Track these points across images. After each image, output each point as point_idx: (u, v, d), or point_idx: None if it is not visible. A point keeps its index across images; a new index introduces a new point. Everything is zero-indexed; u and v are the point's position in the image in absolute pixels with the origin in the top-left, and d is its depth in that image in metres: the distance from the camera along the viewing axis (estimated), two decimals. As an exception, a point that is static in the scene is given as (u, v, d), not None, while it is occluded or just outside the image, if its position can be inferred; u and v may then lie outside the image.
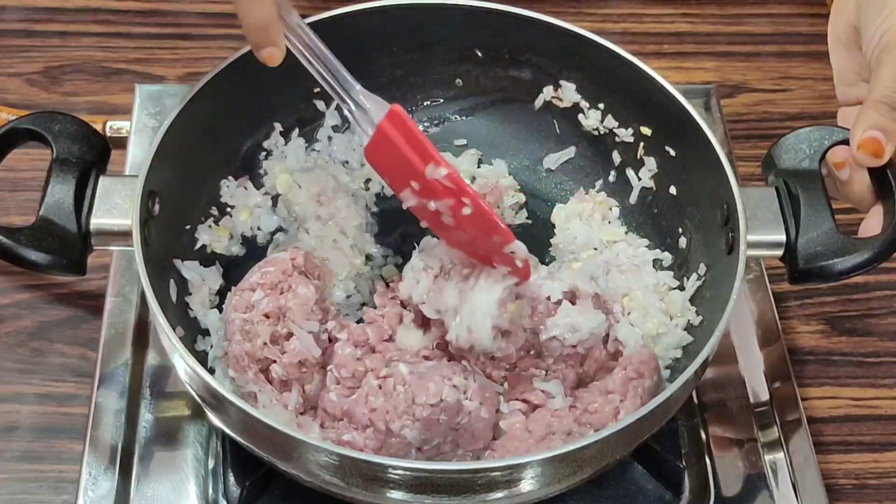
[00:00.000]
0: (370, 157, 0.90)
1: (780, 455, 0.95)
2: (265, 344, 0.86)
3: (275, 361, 0.86)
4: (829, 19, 0.97)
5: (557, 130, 1.07)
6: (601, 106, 1.04)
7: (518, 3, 1.01)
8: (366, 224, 1.02)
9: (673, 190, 1.00)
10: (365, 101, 0.87)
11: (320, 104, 1.05)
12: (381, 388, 0.85)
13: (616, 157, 1.05)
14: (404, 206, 0.89)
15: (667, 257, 1.00)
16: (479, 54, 1.05)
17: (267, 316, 0.87)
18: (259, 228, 1.01)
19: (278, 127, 1.04)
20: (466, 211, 0.85)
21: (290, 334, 0.87)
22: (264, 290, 0.88)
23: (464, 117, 1.10)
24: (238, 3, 0.83)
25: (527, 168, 1.09)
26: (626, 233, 1.04)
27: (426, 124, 1.09)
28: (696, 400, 0.97)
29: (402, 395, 0.84)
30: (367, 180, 1.05)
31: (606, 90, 1.03)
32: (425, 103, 1.09)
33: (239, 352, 0.86)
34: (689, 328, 0.95)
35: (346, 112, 0.89)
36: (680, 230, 0.99)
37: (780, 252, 0.90)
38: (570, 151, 1.08)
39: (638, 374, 0.89)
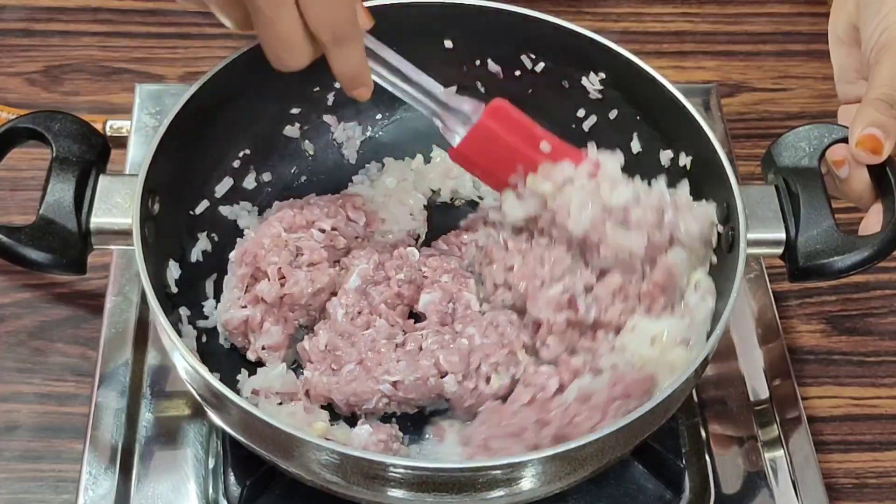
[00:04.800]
0: (459, 156, 0.91)
1: (780, 453, 0.95)
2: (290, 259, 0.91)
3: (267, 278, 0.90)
4: (830, 18, 0.97)
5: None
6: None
7: (518, 1, 1.01)
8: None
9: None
10: (454, 102, 0.89)
11: (320, 105, 1.06)
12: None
13: (615, 156, 1.05)
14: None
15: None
16: (479, 53, 1.04)
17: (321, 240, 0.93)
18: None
19: (278, 126, 1.04)
20: None
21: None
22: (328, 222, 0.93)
23: (464, 116, 1.10)
24: (334, 57, 0.83)
25: (526, 167, 1.09)
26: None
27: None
28: (696, 398, 0.97)
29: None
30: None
31: (606, 89, 1.03)
32: (424, 102, 1.09)
33: (253, 248, 0.91)
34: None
35: (431, 118, 0.90)
36: (680, 229, 0.99)
37: (779, 250, 0.90)
38: (570, 150, 1.08)
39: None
